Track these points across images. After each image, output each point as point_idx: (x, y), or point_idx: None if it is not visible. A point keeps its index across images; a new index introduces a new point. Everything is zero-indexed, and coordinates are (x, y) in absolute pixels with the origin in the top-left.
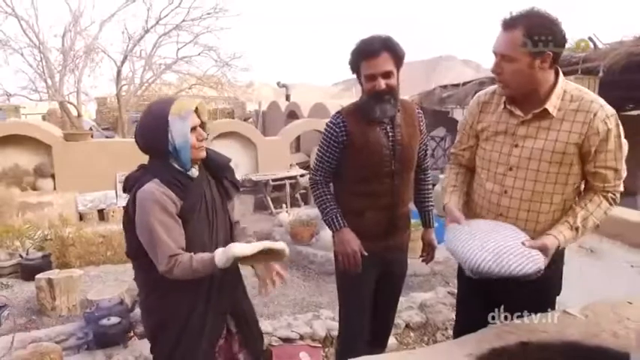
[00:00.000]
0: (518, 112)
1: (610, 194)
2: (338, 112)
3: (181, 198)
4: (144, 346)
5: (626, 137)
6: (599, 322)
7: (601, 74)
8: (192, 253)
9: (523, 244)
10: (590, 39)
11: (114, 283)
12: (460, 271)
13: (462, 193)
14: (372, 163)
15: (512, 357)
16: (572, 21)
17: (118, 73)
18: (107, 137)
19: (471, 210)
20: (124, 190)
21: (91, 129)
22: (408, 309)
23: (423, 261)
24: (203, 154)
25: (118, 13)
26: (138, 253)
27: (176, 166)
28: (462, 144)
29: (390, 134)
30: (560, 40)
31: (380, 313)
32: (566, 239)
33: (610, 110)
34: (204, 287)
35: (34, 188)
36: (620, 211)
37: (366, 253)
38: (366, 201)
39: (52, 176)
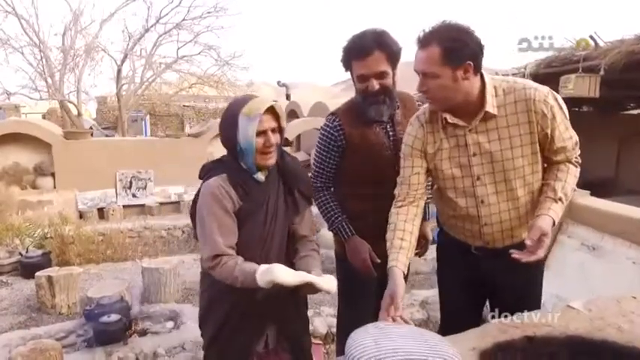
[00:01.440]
0: (461, 123)
1: (574, 159)
2: (333, 114)
3: (242, 200)
4: (144, 343)
5: (627, 136)
6: (603, 317)
7: (602, 73)
8: (239, 259)
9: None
10: (592, 37)
11: (114, 281)
12: (440, 272)
13: (410, 249)
14: (374, 165)
15: (516, 351)
16: (574, 19)
17: (118, 72)
18: (107, 136)
19: (450, 223)
20: (199, 177)
21: (91, 128)
22: (409, 306)
23: (416, 254)
24: (270, 161)
25: (118, 12)
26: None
27: (244, 166)
28: (415, 168)
29: (391, 133)
30: (475, 48)
31: None
32: (557, 213)
33: (544, 89)
34: (248, 291)
35: (34, 187)
36: (622, 209)
37: (378, 260)
38: (368, 204)
39: (52, 175)
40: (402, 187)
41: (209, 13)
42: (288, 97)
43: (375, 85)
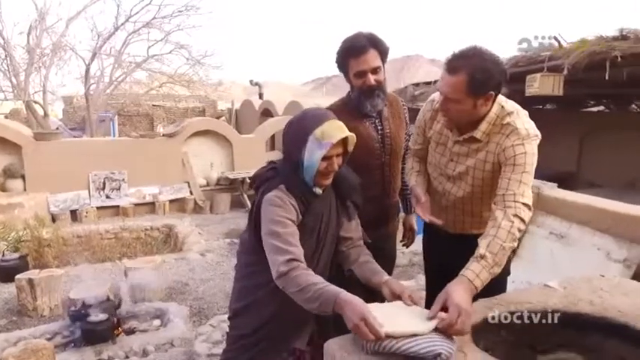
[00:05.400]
0: (450, 135)
1: (511, 209)
2: (329, 109)
3: (302, 213)
4: (133, 341)
5: (588, 132)
6: (576, 293)
7: (565, 72)
8: (321, 279)
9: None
10: (555, 38)
11: (95, 282)
12: (426, 266)
13: (424, 178)
14: (364, 156)
15: (503, 325)
16: (539, 20)
17: (87, 71)
18: (75, 137)
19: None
20: (250, 186)
21: (57, 129)
22: None
23: (403, 245)
24: (327, 182)
25: (85, 10)
26: (252, 247)
27: (303, 178)
28: (417, 143)
29: (379, 128)
30: (500, 78)
31: (369, 301)
32: (476, 273)
33: (523, 132)
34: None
35: (4, 189)
36: (587, 199)
37: (369, 240)
38: None
39: (22, 177)
40: (411, 151)
41: (180, 11)
42: (261, 96)
43: (372, 79)
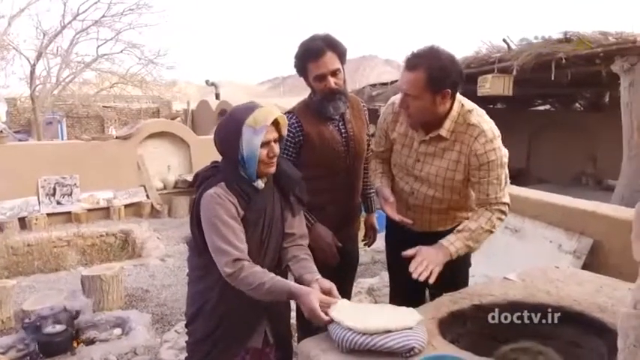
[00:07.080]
0: (415, 135)
1: (494, 206)
2: (290, 112)
3: (244, 209)
4: (93, 352)
5: (536, 130)
6: (534, 285)
7: (514, 73)
8: (268, 275)
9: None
10: (504, 40)
11: (50, 292)
12: (389, 263)
13: (388, 178)
14: (328, 159)
15: (467, 318)
16: (494, 20)
17: (32, 71)
18: (20, 140)
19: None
20: (192, 185)
21: (2, 132)
22: (357, 294)
23: (365, 244)
24: (271, 170)
25: (30, 8)
26: (197, 249)
27: (243, 174)
28: (380, 145)
29: (343, 130)
30: (456, 78)
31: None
32: (452, 241)
33: (490, 134)
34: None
35: None
36: (539, 194)
37: (340, 244)
38: (324, 196)
39: None
40: (373, 153)
41: (131, 9)
42: (217, 96)
43: (332, 82)
